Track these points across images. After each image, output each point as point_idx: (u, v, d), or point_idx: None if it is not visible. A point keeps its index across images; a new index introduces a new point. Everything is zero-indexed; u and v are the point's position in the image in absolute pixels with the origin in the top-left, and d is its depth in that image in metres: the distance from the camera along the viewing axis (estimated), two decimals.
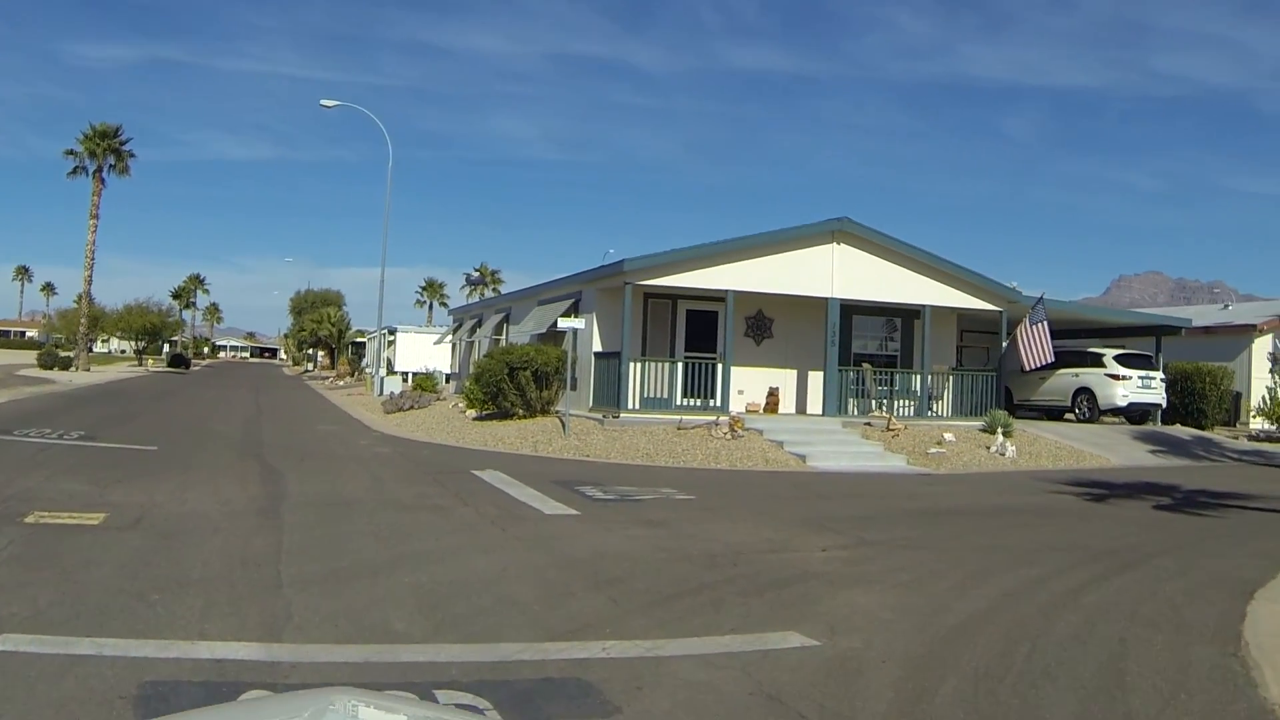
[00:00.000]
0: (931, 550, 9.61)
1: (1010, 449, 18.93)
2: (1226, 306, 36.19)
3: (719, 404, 20.49)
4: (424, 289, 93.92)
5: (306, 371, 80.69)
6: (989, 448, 19.13)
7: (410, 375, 39.63)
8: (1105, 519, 12.47)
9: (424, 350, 44.65)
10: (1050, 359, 22.24)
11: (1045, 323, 22.05)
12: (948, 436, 19.65)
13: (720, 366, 21.04)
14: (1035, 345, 21.98)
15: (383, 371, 42.12)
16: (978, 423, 21.56)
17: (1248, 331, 30.16)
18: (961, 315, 25.21)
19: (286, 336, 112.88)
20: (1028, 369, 22.82)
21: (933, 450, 18.56)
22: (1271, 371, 29.85)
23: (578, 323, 20.37)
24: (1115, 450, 20.51)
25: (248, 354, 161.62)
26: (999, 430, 19.84)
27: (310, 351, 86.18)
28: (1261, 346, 30.34)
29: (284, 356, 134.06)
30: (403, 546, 8.80)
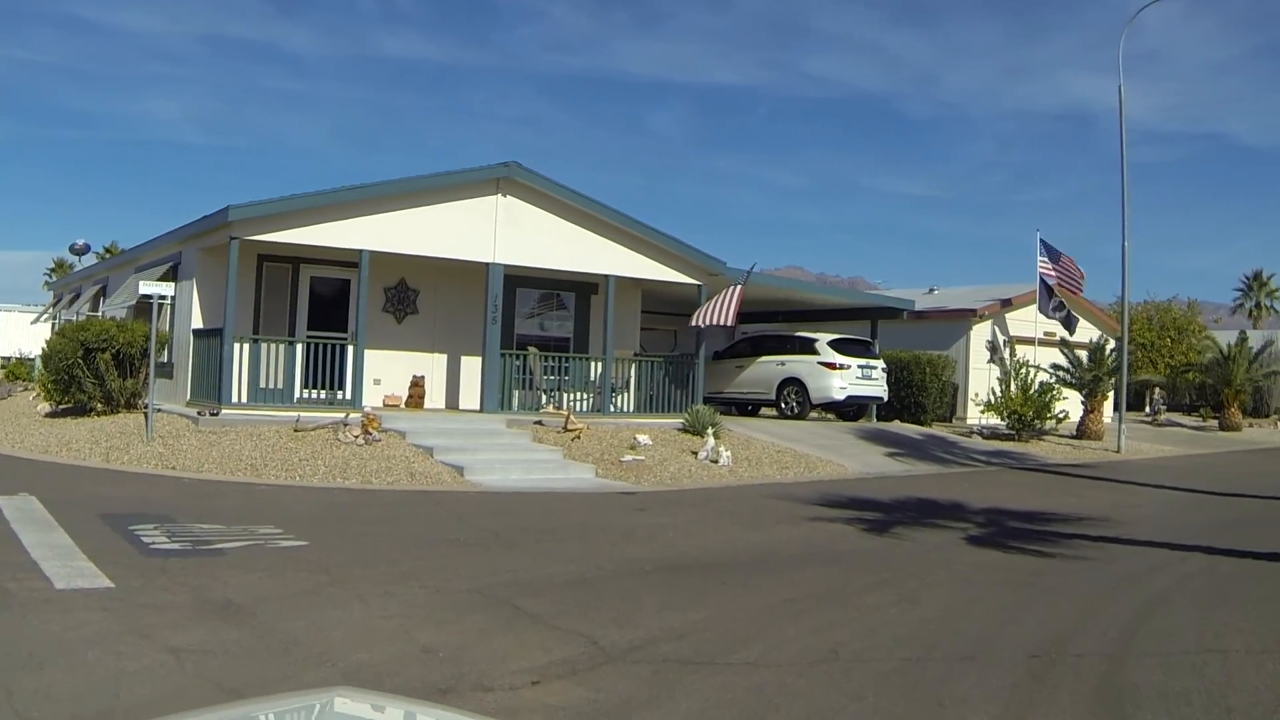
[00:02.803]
0: (743, 670, 6.72)
1: (725, 455, 18.30)
2: (933, 290, 38.04)
3: (349, 397, 18.91)
4: (53, 269, 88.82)
5: None
6: (697, 453, 18.46)
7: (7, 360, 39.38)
8: (928, 568, 10.37)
9: (24, 331, 44.30)
10: (728, 322, 21.74)
11: (739, 289, 21.62)
12: (642, 439, 18.79)
13: (352, 349, 19.20)
14: (719, 307, 21.53)
15: None
16: (673, 420, 21.00)
17: (966, 317, 31.77)
18: (647, 291, 24.59)
19: None
20: (697, 325, 22.21)
21: (628, 458, 17.56)
22: (990, 361, 31.52)
23: (164, 288, 18.26)
24: (847, 454, 20.67)
25: None
26: (708, 431, 19.10)
27: None
28: (980, 334, 32.00)
29: None
30: None
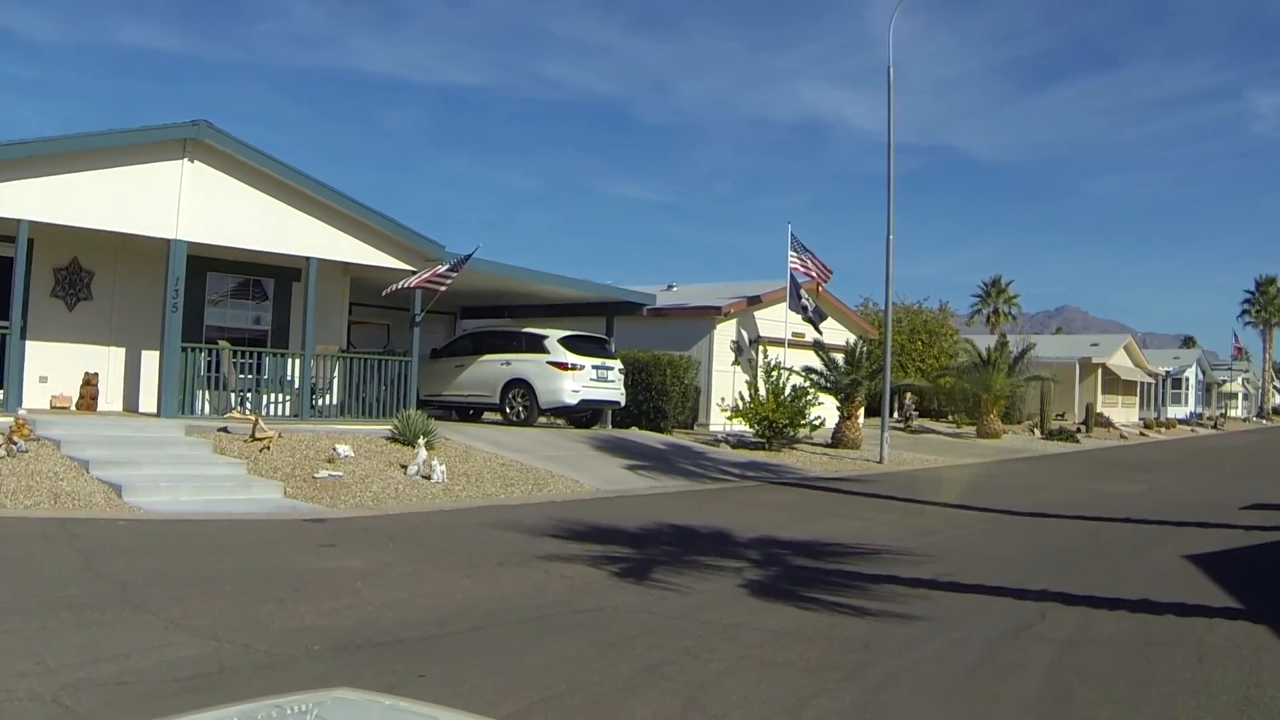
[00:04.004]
0: None
1: (439, 469, 17.20)
2: (672, 287, 38.10)
3: (4, 399, 17.03)
4: None
5: None
6: (406, 467, 17.34)
7: None
8: (710, 639, 8.19)
9: None
10: (414, 285, 21.01)
11: (448, 266, 20.93)
12: (343, 450, 17.61)
13: (9, 340, 17.34)
14: (415, 278, 20.94)
15: None
16: (383, 427, 19.87)
17: (710, 315, 31.79)
18: (358, 279, 23.48)
19: None
20: (391, 290, 21.39)
21: (322, 473, 16.34)
22: (736, 362, 31.65)
23: None
24: (582, 467, 19.96)
25: None
26: (420, 441, 18.08)
27: None
28: (725, 333, 32.10)
29: None
30: None
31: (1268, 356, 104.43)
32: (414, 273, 21.62)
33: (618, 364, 25.84)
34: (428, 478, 17.07)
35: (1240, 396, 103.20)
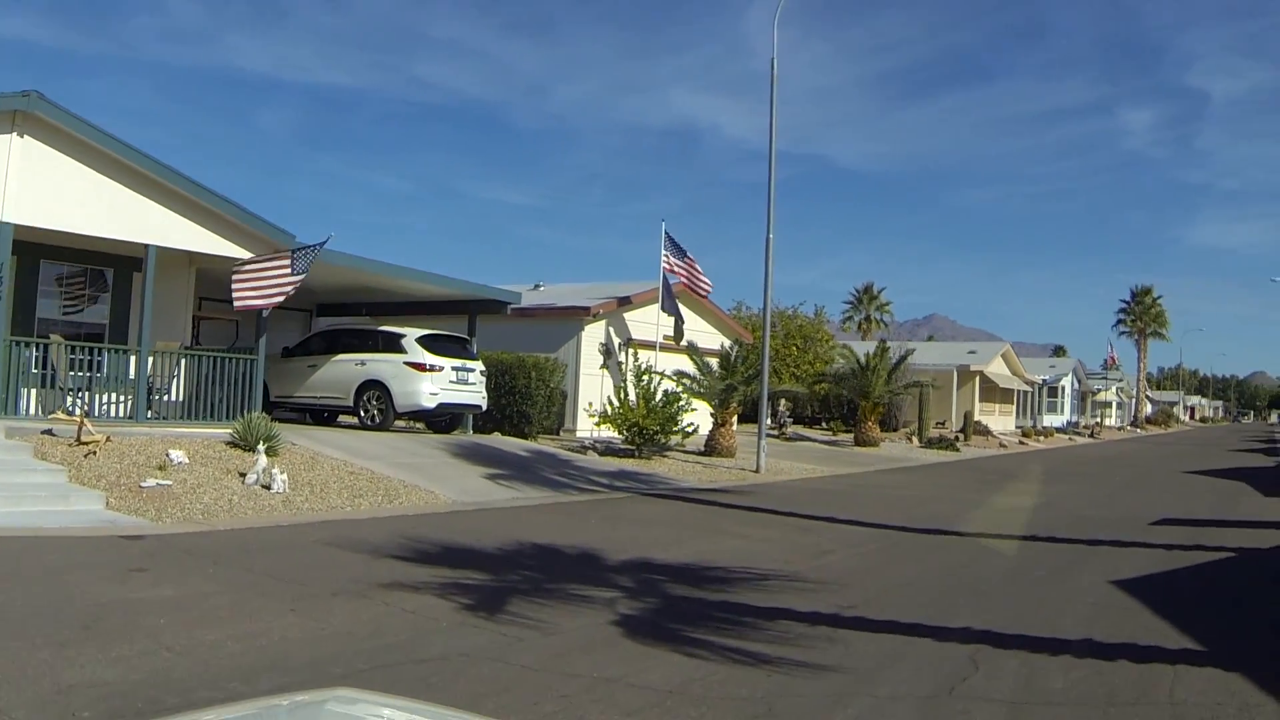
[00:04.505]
0: None
1: (280, 479, 16.41)
2: (539, 286, 37.72)
3: None
4: None
5: None
6: (245, 475, 16.53)
7: None
8: (579, 702, 6.96)
9: None
10: (270, 301, 20.34)
11: (297, 270, 20.24)
12: (176, 456, 16.83)
13: None
14: (261, 282, 20.23)
15: None
16: (224, 431, 19.09)
17: (578, 315, 31.42)
18: (205, 272, 22.70)
19: None
20: (241, 305, 20.80)
21: (151, 482, 15.50)
22: (604, 366, 31.34)
23: None
24: (439, 477, 19.28)
25: None
26: (260, 446, 17.27)
27: None
28: (594, 335, 31.75)
29: None
30: None
31: (1142, 365, 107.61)
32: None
33: (479, 365, 25.30)
34: (267, 487, 16.27)
35: (1114, 405, 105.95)
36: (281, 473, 16.67)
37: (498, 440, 25.28)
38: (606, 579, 11.35)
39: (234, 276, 20.63)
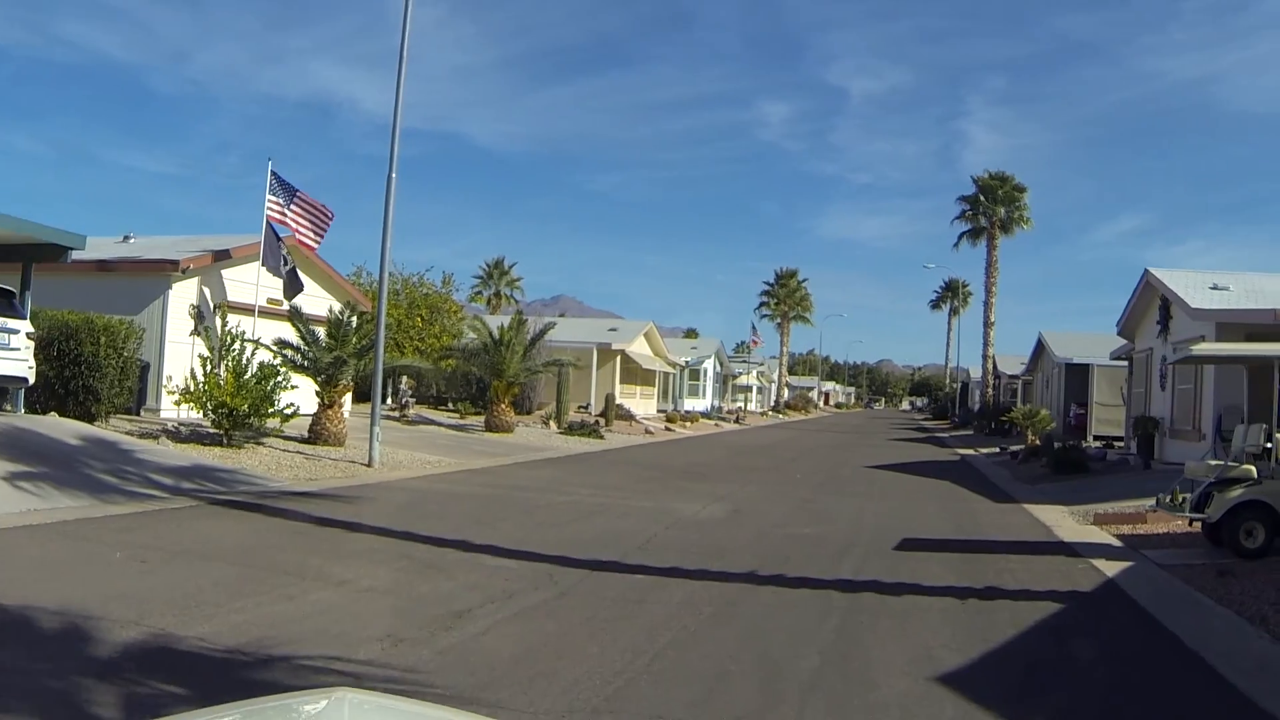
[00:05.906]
0: None
1: None
2: (129, 238, 33.76)
3: None
4: None
5: None
6: None
7: None
8: None
9: None
10: None
11: None
12: None
13: None
14: None
15: None
16: None
17: (165, 270, 27.98)
18: None
19: None
20: None
21: None
22: (195, 332, 28.00)
23: None
24: None
25: None
26: None
27: None
28: (184, 294, 28.31)
29: None
30: None
31: (784, 348, 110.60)
32: None
33: (25, 326, 20.74)
34: None
35: (755, 390, 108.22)
36: None
37: (52, 422, 21.17)
38: (78, 695, 6.56)
39: None
